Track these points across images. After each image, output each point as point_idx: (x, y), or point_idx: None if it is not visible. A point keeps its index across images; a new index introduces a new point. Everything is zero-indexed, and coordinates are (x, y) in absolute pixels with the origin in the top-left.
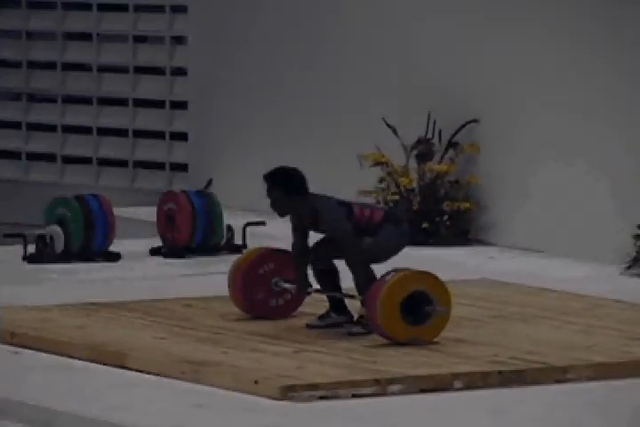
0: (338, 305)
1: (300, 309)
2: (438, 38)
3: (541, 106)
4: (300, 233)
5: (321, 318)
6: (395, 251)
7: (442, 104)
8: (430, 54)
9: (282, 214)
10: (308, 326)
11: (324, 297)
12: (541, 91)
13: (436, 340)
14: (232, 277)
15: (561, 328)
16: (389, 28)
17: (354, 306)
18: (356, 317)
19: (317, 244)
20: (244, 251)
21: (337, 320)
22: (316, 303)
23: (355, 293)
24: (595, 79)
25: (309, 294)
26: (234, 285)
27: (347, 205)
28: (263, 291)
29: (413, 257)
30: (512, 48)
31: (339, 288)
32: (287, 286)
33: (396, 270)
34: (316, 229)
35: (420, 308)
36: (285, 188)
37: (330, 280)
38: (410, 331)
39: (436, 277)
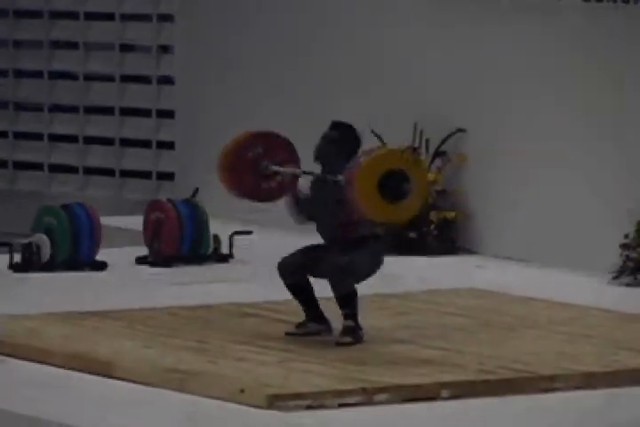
0: (314, 315)
1: (289, 318)
2: (427, 48)
3: (528, 117)
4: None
5: (299, 326)
6: (373, 271)
7: (429, 114)
8: (418, 64)
9: (318, 157)
10: (287, 334)
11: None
12: (529, 101)
13: (423, 349)
14: (221, 163)
15: (548, 337)
16: (378, 38)
17: (334, 314)
18: (338, 327)
19: (295, 255)
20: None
21: (315, 329)
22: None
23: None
24: (582, 88)
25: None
26: (224, 170)
27: None
28: (253, 175)
29: (400, 266)
30: (499, 59)
31: (314, 299)
32: (277, 168)
33: (370, 151)
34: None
35: (398, 185)
36: (344, 140)
37: (306, 291)
38: (388, 209)
39: (409, 154)
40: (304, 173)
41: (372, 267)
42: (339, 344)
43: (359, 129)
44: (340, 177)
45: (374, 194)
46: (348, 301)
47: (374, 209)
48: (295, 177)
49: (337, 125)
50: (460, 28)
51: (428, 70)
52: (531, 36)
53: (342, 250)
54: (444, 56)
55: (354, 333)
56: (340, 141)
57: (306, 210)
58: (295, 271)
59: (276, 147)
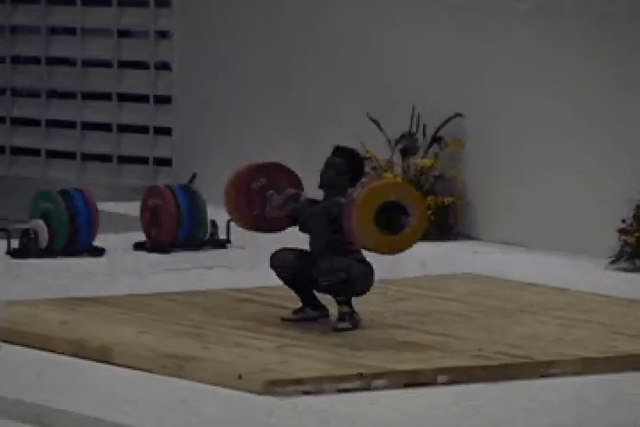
0: (310, 301)
1: (286, 303)
2: (424, 34)
3: (526, 100)
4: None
5: (295, 312)
6: (366, 289)
7: (426, 98)
8: (416, 49)
9: (323, 184)
10: (284, 320)
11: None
12: (526, 85)
13: (420, 335)
14: (227, 197)
15: (546, 323)
16: (375, 24)
17: (330, 300)
18: (334, 313)
19: (289, 257)
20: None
21: (311, 315)
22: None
23: None
24: (582, 77)
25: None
26: (230, 204)
27: None
28: (259, 206)
29: None
30: (498, 43)
31: (308, 286)
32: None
33: (370, 180)
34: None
35: (395, 218)
36: (348, 166)
37: (298, 281)
38: (385, 240)
39: (409, 187)
40: (307, 199)
41: (369, 283)
42: (336, 330)
43: (361, 152)
44: (343, 200)
45: (371, 226)
46: (338, 288)
47: (372, 240)
48: (295, 199)
49: (340, 151)
50: (460, 17)
51: (428, 55)
52: (531, 27)
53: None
54: (444, 40)
55: (350, 318)
56: (344, 167)
57: (295, 212)
58: (289, 269)
59: (280, 179)
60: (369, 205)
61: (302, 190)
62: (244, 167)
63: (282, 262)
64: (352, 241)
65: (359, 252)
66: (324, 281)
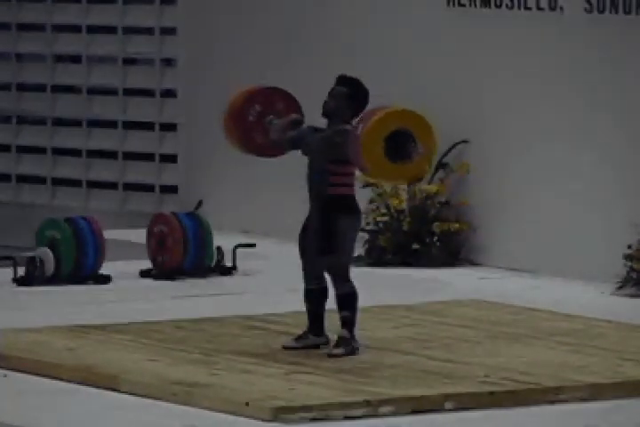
0: (317, 327)
1: (293, 330)
2: (430, 61)
3: (531, 127)
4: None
5: (298, 339)
6: (355, 239)
7: (432, 124)
8: (420, 75)
9: (326, 113)
10: (285, 348)
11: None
12: (531, 112)
13: (427, 361)
14: (226, 129)
15: (553, 349)
16: (378, 47)
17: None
18: (334, 338)
19: (308, 262)
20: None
21: (314, 342)
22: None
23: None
24: (587, 103)
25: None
26: (230, 135)
27: None
28: (259, 133)
29: (404, 277)
30: (503, 70)
31: (323, 311)
32: (280, 122)
33: (371, 113)
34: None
35: (403, 145)
36: (352, 95)
37: (319, 301)
38: (391, 168)
39: (413, 113)
40: (309, 127)
41: (355, 233)
42: (330, 356)
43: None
44: (346, 126)
45: (381, 159)
46: (348, 301)
47: (384, 173)
48: (298, 124)
49: (344, 80)
50: (462, 39)
51: (432, 82)
52: (531, 48)
53: (327, 218)
54: (449, 68)
55: (347, 344)
56: (348, 97)
57: (294, 140)
58: (313, 277)
59: (275, 100)
60: (374, 138)
61: (302, 114)
62: (237, 98)
63: (305, 273)
64: (366, 176)
65: (349, 186)
66: (337, 293)
